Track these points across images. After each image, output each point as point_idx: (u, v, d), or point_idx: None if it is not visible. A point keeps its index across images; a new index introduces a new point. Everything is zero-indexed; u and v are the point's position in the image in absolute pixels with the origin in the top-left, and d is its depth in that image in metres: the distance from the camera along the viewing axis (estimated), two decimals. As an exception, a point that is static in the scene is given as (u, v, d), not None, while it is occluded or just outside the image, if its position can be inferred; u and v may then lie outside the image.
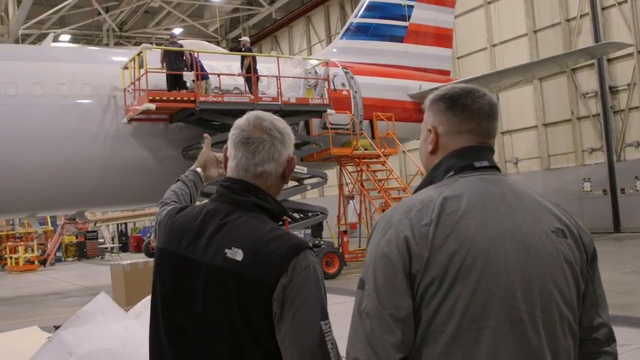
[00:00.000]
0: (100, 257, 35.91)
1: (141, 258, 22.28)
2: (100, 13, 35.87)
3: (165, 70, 15.84)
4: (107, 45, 37.53)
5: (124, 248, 40.78)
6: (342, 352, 1.87)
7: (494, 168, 1.91)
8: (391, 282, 1.71)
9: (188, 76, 15.83)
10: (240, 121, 2.14)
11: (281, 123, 2.14)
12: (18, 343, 5.23)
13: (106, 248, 37.93)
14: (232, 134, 2.13)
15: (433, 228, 1.72)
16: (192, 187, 2.72)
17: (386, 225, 1.79)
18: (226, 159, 2.18)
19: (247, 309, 1.89)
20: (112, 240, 42.76)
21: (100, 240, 38.05)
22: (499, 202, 1.79)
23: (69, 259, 36.34)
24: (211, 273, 1.96)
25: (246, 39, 18.02)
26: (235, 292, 1.91)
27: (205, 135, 2.94)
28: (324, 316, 1.88)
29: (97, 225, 38.39)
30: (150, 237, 37.36)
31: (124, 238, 43.26)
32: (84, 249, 35.89)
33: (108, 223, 40.74)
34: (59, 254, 35.31)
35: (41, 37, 35.12)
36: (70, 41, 37.72)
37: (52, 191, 15.84)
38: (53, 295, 17.62)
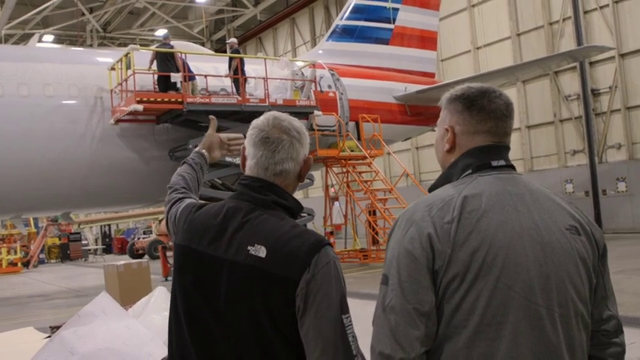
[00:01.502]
0: (83, 259, 35.67)
1: (126, 260, 22.23)
2: (83, 14, 35.66)
3: (153, 71, 15.83)
4: (91, 46, 37.34)
5: (107, 250, 40.53)
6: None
7: (510, 167, 1.98)
8: (415, 278, 1.77)
9: (176, 78, 15.81)
10: (258, 122, 2.19)
11: (298, 123, 2.20)
12: (15, 344, 5.24)
13: (89, 250, 37.70)
14: (251, 134, 2.18)
15: (455, 226, 1.78)
16: (200, 170, 2.76)
17: (407, 222, 1.85)
18: (244, 158, 2.23)
19: (271, 304, 1.94)
20: (96, 242, 42.49)
21: (83, 242, 37.81)
22: (517, 200, 1.86)
23: (52, 260, 36.08)
24: (235, 269, 2.01)
25: (233, 40, 18.02)
26: (259, 288, 1.96)
27: (211, 117, 3.00)
28: (345, 310, 1.94)
29: (81, 227, 38.15)
30: (134, 238, 37.21)
31: (107, 240, 43.00)
32: (67, 251, 35.64)
33: (91, 224, 40.48)
34: (42, 256, 35.05)
35: (24, 38, 34.91)
36: (53, 42, 37.44)
37: (37, 192, 15.75)
38: (38, 297, 17.50)
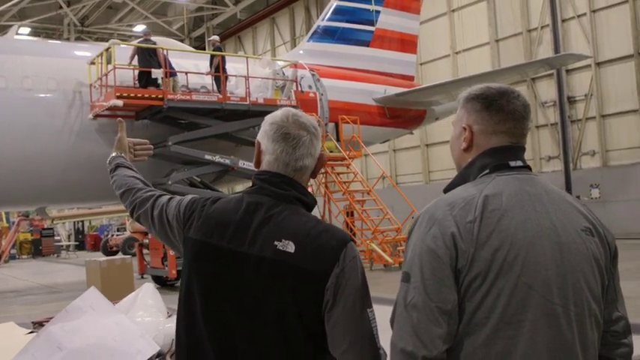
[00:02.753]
0: (55, 255, 35.21)
1: (99, 257, 22.01)
2: (61, 7, 35.26)
3: (133, 67, 15.70)
4: (68, 39, 36.84)
5: (80, 246, 40.06)
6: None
7: (527, 167, 2.01)
8: (438, 276, 1.79)
9: (158, 74, 15.68)
10: (276, 117, 2.18)
11: (313, 120, 2.22)
12: (-4, 339, 5.16)
13: (61, 246, 37.22)
14: (268, 129, 2.17)
15: (477, 225, 1.81)
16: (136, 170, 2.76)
17: (429, 220, 1.87)
18: (260, 153, 2.21)
19: (300, 299, 1.96)
20: (68, 238, 41.97)
21: (56, 238, 37.33)
22: (535, 201, 1.89)
23: (23, 256, 35.59)
24: (261, 265, 2.00)
25: (216, 38, 17.99)
26: (289, 283, 1.96)
27: (119, 119, 2.99)
28: (370, 304, 2.00)
29: (54, 222, 37.66)
30: (107, 235, 36.84)
31: (80, 237, 42.51)
32: (39, 247, 35.16)
33: (64, 220, 39.98)
34: (13, 251, 34.54)
35: (0, 29, 34.36)
36: (29, 34, 36.94)
37: (13, 186, 15.50)
38: (10, 293, 17.25)
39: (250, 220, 2.07)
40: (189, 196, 2.36)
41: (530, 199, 1.89)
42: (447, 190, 2.05)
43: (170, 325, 4.11)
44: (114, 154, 2.82)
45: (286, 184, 2.12)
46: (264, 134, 2.19)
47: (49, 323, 4.21)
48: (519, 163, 1.99)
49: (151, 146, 3.18)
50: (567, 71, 23.69)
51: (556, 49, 23.20)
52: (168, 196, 2.45)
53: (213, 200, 2.24)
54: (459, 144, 2.08)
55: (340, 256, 1.97)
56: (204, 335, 2.08)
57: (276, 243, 2.00)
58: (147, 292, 4.69)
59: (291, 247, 1.98)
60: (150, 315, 4.36)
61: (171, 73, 16.04)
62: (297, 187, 2.14)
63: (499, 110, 2.00)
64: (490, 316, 1.77)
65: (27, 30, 36.87)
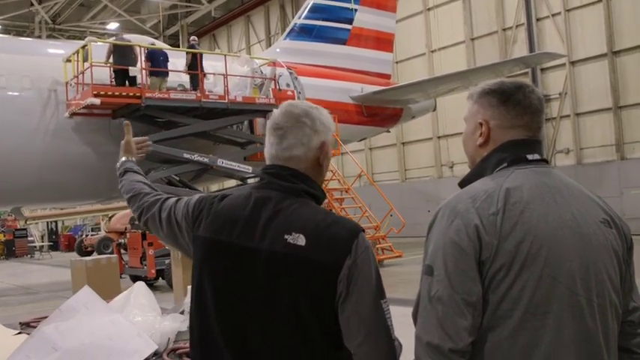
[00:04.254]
0: (29, 256, 34.69)
1: (74, 257, 21.73)
2: (32, 4, 34.73)
3: (110, 65, 15.53)
4: (39, 37, 36.34)
5: (54, 247, 39.53)
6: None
7: (544, 161, 2.02)
8: (462, 268, 1.80)
9: (136, 72, 15.50)
10: (275, 111, 2.20)
11: (316, 111, 2.17)
12: (-17, 340, 5.07)
13: (35, 247, 36.68)
14: (266, 123, 2.21)
15: (500, 217, 1.81)
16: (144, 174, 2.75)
17: (451, 213, 1.87)
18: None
19: (313, 292, 1.93)
20: (42, 238, 41.39)
21: (29, 238, 36.77)
22: (555, 193, 1.91)
23: (-5, 257, 35.02)
24: (272, 259, 1.98)
25: (194, 38, 17.92)
26: (301, 276, 1.94)
27: (126, 122, 2.99)
28: (383, 294, 1.98)
29: (27, 223, 37.11)
30: (82, 235, 36.43)
31: (54, 237, 41.94)
32: (12, 247, 34.61)
33: (38, 221, 39.42)
34: (-15, 253, 34.01)
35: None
36: (0, 32, 36.36)
37: (-13, 186, 15.27)
38: (-15, 294, 16.97)
39: (259, 215, 2.05)
40: (197, 195, 2.34)
41: (550, 192, 1.90)
42: (462, 183, 2.05)
43: (166, 324, 4.08)
44: (123, 159, 2.77)
45: (294, 177, 2.10)
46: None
47: (42, 323, 4.15)
48: (536, 156, 2.00)
49: (150, 142, 3.16)
50: (542, 70, 23.96)
51: (531, 48, 23.46)
52: (175, 198, 2.43)
53: (222, 197, 2.22)
54: (474, 139, 2.09)
55: (352, 246, 1.94)
56: (217, 334, 2.05)
57: (286, 237, 1.97)
58: (140, 291, 4.65)
59: (301, 240, 1.96)
60: (144, 314, 4.32)
61: (161, 73, 15.90)
62: (306, 180, 2.11)
63: (516, 104, 2.02)
64: (515, 308, 1.78)
65: (-3, 27, 36.32)
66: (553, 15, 23.48)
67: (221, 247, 2.08)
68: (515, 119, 2.01)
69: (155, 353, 3.67)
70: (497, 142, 2.03)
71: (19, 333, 4.98)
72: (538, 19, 23.94)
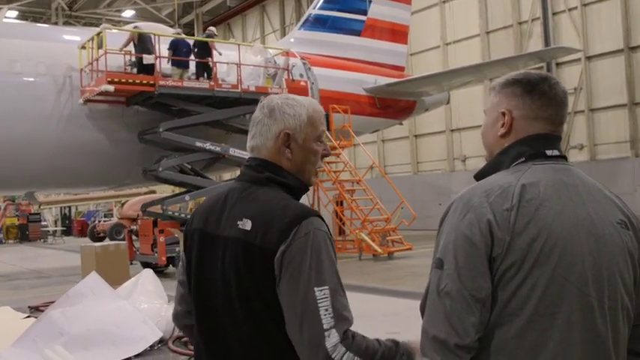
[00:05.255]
0: (42, 240, 35.01)
1: (87, 242, 21.93)
2: (49, -9, 34.89)
3: (125, 52, 15.59)
4: (56, 24, 36.48)
5: (67, 232, 39.87)
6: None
7: (563, 157, 1.98)
8: (472, 263, 1.77)
9: (150, 60, 15.53)
10: None
11: (279, 100, 2.19)
12: (-7, 323, 5.15)
13: (48, 231, 37.01)
14: None
15: (514, 213, 1.78)
16: None
17: (465, 207, 1.85)
18: None
19: (258, 277, 1.97)
20: (55, 223, 41.73)
21: (43, 223, 37.11)
22: (572, 191, 1.87)
23: (10, 241, 35.35)
24: (227, 245, 2.06)
25: (211, 28, 17.99)
26: (245, 261, 1.99)
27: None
28: (320, 282, 1.90)
29: (41, 208, 37.42)
30: (95, 221, 36.68)
31: (67, 222, 42.29)
32: (26, 232, 34.95)
33: (51, 206, 39.74)
34: (0, 236, 34.33)
35: (-13, 12, 33.91)
36: (17, 18, 36.55)
37: (1, 171, 15.39)
38: (-1, 277, 17.19)
39: (225, 206, 2.14)
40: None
41: (567, 190, 1.87)
42: (478, 176, 2.02)
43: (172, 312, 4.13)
44: None
45: (262, 167, 2.15)
46: None
47: (49, 308, 4.21)
48: (556, 152, 1.96)
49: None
50: (557, 64, 23.79)
51: (546, 42, 23.30)
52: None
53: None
54: (494, 130, 2.04)
55: (291, 232, 1.93)
56: (197, 319, 2.18)
57: (238, 222, 2.05)
58: (147, 278, 4.70)
59: (248, 225, 2.01)
60: (151, 301, 4.37)
61: (182, 64, 15.97)
62: (273, 168, 2.14)
63: (542, 95, 1.97)
64: (524, 307, 1.76)
65: (14, 14, 36.47)
66: (569, 9, 23.28)
67: (196, 235, 2.21)
68: (540, 110, 1.97)
69: (160, 340, 3.72)
70: (520, 133, 1.98)
71: (28, 317, 5.05)
72: (554, 13, 23.75)
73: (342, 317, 1.90)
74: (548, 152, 1.95)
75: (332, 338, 1.86)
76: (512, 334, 1.77)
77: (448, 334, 1.77)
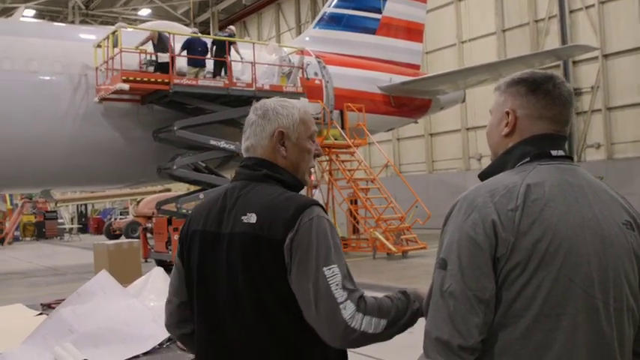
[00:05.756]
0: (59, 238, 35.31)
1: (103, 240, 22.08)
2: (66, -11, 35.12)
3: (140, 51, 15.67)
4: (72, 22, 36.75)
5: (83, 230, 40.18)
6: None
7: (568, 158, 1.96)
8: (476, 264, 1.76)
9: (164, 58, 15.59)
10: None
11: (272, 102, 2.26)
12: (6, 320, 5.19)
13: (65, 229, 37.32)
14: None
15: (519, 214, 1.76)
16: None
17: (469, 207, 1.83)
18: None
19: (266, 270, 2.01)
20: (72, 221, 42.08)
21: (59, 220, 37.43)
22: (577, 192, 1.85)
23: (27, 238, 35.69)
24: (233, 240, 2.10)
25: (230, 27, 18.06)
26: (253, 254, 2.03)
27: None
28: (328, 262, 1.97)
29: (57, 205, 37.74)
30: (111, 219, 36.91)
31: (83, 220, 42.62)
32: (43, 229, 35.26)
33: (68, 203, 40.05)
34: (17, 233, 34.66)
35: (5, 12, 34.27)
36: (34, 17, 36.85)
37: (17, 168, 15.51)
38: (15, 275, 17.32)
39: (225, 204, 2.18)
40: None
41: (572, 190, 1.85)
42: (482, 176, 2.01)
43: (181, 310, 4.14)
44: None
45: (259, 165, 2.20)
46: None
47: (60, 305, 4.23)
48: (561, 152, 1.94)
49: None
50: (574, 63, 23.58)
51: (563, 41, 23.11)
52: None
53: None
54: (499, 130, 2.03)
55: (297, 221, 2.00)
56: (200, 317, 2.21)
57: (242, 217, 2.09)
58: (157, 276, 4.71)
59: (253, 219, 2.06)
60: (160, 299, 4.38)
61: (198, 63, 16.04)
62: (270, 166, 2.20)
63: (546, 94, 1.96)
64: (529, 308, 1.74)
65: (32, 12, 36.77)
66: (587, 7, 23.06)
67: (197, 235, 2.24)
68: (544, 109, 1.95)
69: (169, 339, 3.72)
70: (524, 132, 1.97)
71: (40, 314, 5.08)
72: (571, 11, 23.54)
73: (353, 289, 1.97)
74: (554, 152, 1.93)
75: (348, 309, 1.93)
76: (516, 335, 1.75)
77: (451, 336, 1.75)
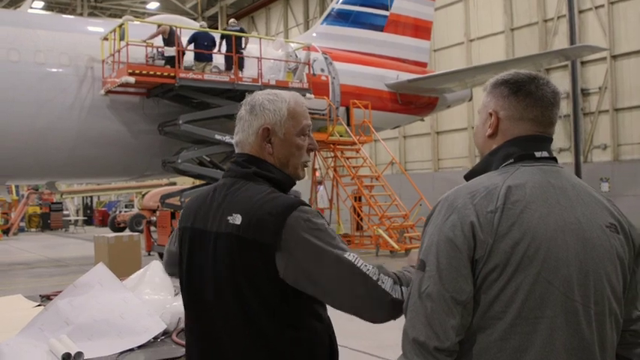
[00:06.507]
0: (63, 229, 35.43)
1: (107, 232, 22.12)
2: (75, -18, 35.18)
3: (147, 44, 15.67)
4: (81, 15, 36.81)
5: (88, 222, 40.31)
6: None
7: (553, 159, 1.94)
8: (454, 266, 1.75)
9: (171, 52, 15.60)
10: None
11: (261, 96, 2.22)
12: (4, 311, 5.19)
13: (70, 221, 37.44)
14: None
15: (498, 215, 1.75)
16: None
17: (449, 208, 1.82)
18: None
19: (250, 271, 1.98)
20: (77, 213, 42.20)
21: (64, 212, 37.54)
22: (560, 194, 1.83)
23: (32, 229, 35.82)
24: (218, 240, 2.07)
25: (233, 20, 18.01)
26: (237, 255, 2.00)
27: None
28: (343, 250, 1.96)
29: (63, 197, 37.85)
30: (116, 211, 36.99)
31: (88, 212, 42.75)
32: (48, 220, 35.39)
33: (73, 195, 40.17)
34: (22, 224, 34.79)
35: (13, 3, 34.33)
36: (43, 9, 36.93)
37: (22, 160, 15.55)
38: (19, 265, 17.40)
39: (212, 202, 2.16)
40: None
41: (554, 192, 1.83)
42: (467, 176, 1.99)
43: (177, 304, 4.12)
44: None
45: (248, 162, 2.16)
46: None
47: (57, 297, 4.22)
48: (545, 154, 1.93)
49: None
50: (582, 63, 23.50)
51: (572, 41, 23.00)
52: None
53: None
54: (484, 131, 2.02)
55: (284, 221, 1.95)
56: (190, 317, 2.21)
57: (228, 218, 2.05)
58: (155, 269, 4.69)
59: (238, 220, 2.02)
60: (157, 293, 4.37)
61: (205, 57, 16.04)
62: (260, 163, 2.15)
63: (527, 95, 1.94)
64: (507, 311, 1.73)
65: (40, 4, 36.85)
66: (596, 7, 22.97)
67: (186, 232, 2.23)
68: (525, 111, 1.94)
69: (165, 332, 3.71)
70: (507, 134, 1.96)
71: (39, 305, 5.07)
72: (580, 11, 23.45)
73: (377, 265, 1.99)
74: (537, 154, 1.92)
75: (386, 283, 1.95)
76: (494, 337, 1.74)
77: (428, 337, 1.75)
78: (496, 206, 1.77)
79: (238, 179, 2.15)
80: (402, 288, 1.97)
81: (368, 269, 1.94)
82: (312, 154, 2.31)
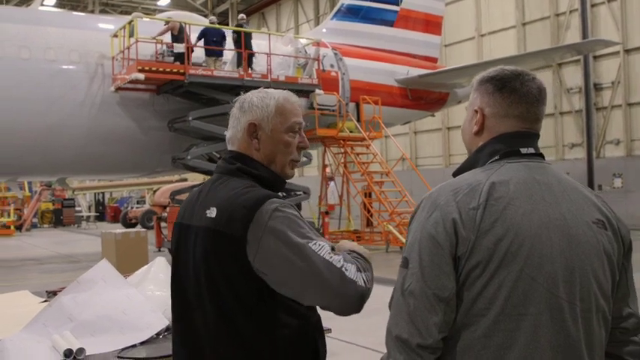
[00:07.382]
0: (76, 225, 35.64)
1: (119, 228, 22.22)
2: (86, -21, 35.30)
3: (156, 41, 15.70)
4: (92, 12, 36.96)
5: (100, 218, 40.52)
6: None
7: (539, 155, 1.93)
8: (437, 263, 1.74)
9: (180, 49, 15.63)
10: None
11: (251, 94, 2.23)
12: (11, 307, 5.21)
13: (82, 217, 37.66)
14: None
15: (481, 212, 1.74)
16: None
17: (432, 206, 1.81)
18: None
19: (223, 264, 1.98)
20: (89, 209, 42.45)
21: (77, 208, 37.76)
22: (545, 190, 1.81)
23: (44, 225, 36.05)
24: (198, 234, 2.08)
25: (242, 16, 18.01)
26: (211, 248, 2.01)
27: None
28: (308, 239, 1.95)
29: (75, 193, 38.06)
30: (127, 207, 37.16)
31: (100, 208, 42.98)
32: (60, 216, 35.61)
33: (85, 191, 40.40)
34: (35, 220, 35.03)
35: (24, 1, 34.51)
36: (54, 6, 37.09)
37: (34, 157, 15.66)
38: (30, 261, 17.52)
39: (198, 197, 2.19)
40: None
41: (539, 188, 1.81)
42: (455, 174, 1.98)
43: (180, 300, 4.14)
44: None
45: (234, 158, 2.17)
46: None
47: (60, 293, 4.23)
48: (531, 150, 1.91)
49: None
50: (595, 57, 23.31)
51: (584, 35, 22.83)
52: None
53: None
54: (470, 128, 2.01)
55: (254, 215, 1.94)
56: (174, 312, 2.20)
57: (206, 211, 2.07)
58: (159, 266, 4.69)
59: (214, 213, 2.03)
60: (160, 289, 4.36)
61: (214, 53, 16.06)
62: (245, 160, 2.15)
63: (512, 92, 1.92)
64: (490, 307, 1.71)
65: (52, 1, 37.02)
66: (609, 1, 22.78)
67: (176, 227, 2.26)
68: (510, 108, 1.92)
69: (167, 329, 3.71)
70: (492, 131, 1.95)
71: (45, 301, 5.10)
72: (593, 5, 23.26)
73: (339, 254, 1.99)
74: (523, 150, 1.90)
75: (350, 270, 1.94)
76: (478, 335, 1.73)
77: (410, 334, 1.74)
78: (479, 203, 1.76)
79: (223, 175, 2.16)
80: (368, 274, 1.98)
81: (332, 257, 1.93)
82: (302, 152, 2.28)
